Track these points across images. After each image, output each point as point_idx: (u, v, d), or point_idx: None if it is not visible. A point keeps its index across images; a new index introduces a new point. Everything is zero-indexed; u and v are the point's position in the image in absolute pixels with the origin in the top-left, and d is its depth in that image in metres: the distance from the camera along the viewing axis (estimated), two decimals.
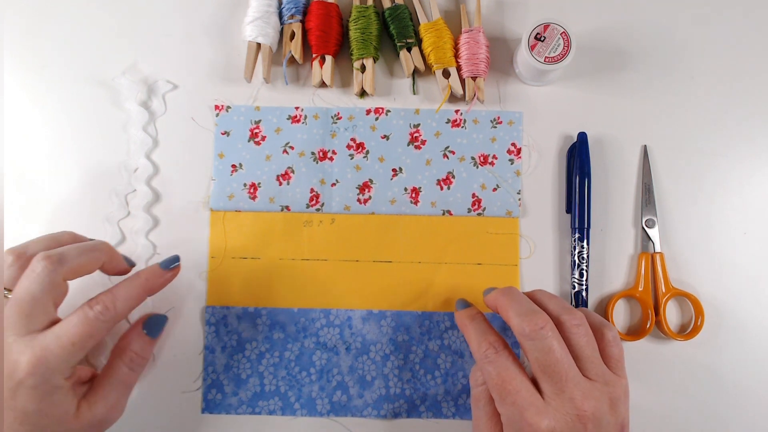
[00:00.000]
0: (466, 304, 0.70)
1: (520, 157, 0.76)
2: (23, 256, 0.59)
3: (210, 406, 0.74)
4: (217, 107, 0.76)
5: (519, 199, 0.76)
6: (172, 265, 0.67)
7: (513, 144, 0.76)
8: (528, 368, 0.61)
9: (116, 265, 0.66)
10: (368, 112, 0.77)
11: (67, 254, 0.59)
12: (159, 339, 0.68)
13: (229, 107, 0.76)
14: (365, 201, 0.76)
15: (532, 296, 0.66)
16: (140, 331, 0.65)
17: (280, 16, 0.76)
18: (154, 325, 0.66)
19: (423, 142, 0.77)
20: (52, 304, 0.59)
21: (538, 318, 0.59)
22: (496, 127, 0.77)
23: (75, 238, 0.65)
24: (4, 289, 0.58)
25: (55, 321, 0.59)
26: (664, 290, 0.74)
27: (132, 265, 0.68)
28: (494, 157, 0.76)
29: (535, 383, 0.59)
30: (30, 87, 0.77)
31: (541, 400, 0.58)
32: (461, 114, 0.77)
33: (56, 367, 0.57)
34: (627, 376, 0.62)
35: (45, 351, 0.56)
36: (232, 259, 0.75)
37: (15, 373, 0.55)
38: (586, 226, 0.73)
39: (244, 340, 0.74)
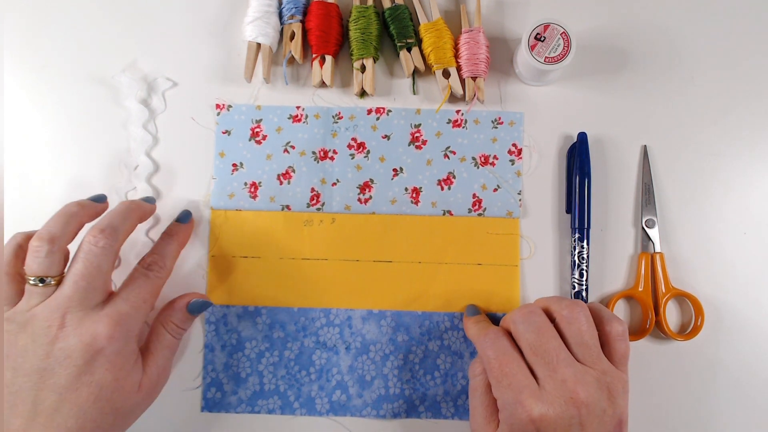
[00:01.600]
0: (475, 311, 0.72)
1: (520, 158, 0.76)
2: (56, 241, 0.60)
3: (209, 404, 0.74)
4: (218, 106, 0.76)
5: (520, 200, 0.76)
6: (188, 218, 0.73)
7: (514, 144, 0.76)
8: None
9: (148, 212, 0.70)
10: (369, 111, 0.77)
11: (116, 224, 0.63)
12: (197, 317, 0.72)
13: (230, 106, 0.76)
14: (366, 201, 0.76)
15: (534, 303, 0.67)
16: (183, 307, 0.69)
17: (280, 16, 0.76)
18: (197, 306, 0.70)
19: (424, 142, 0.77)
20: (110, 275, 0.63)
21: (529, 305, 0.63)
22: (497, 127, 0.77)
23: (80, 206, 0.65)
24: (45, 277, 0.59)
25: (110, 291, 0.63)
26: (664, 290, 0.74)
27: (154, 201, 0.72)
28: (495, 157, 0.76)
29: (531, 368, 0.60)
30: (30, 86, 0.77)
31: (536, 384, 0.58)
32: (462, 114, 0.77)
33: (132, 328, 0.62)
34: (629, 374, 0.63)
35: (121, 315, 0.60)
36: (232, 257, 0.75)
37: (94, 342, 0.58)
38: (586, 226, 0.73)
39: (244, 339, 0.74)
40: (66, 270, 0.61)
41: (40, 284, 0.59)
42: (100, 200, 0.67)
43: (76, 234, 0.63)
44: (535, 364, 0.59)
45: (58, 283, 0.60)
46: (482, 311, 0.73)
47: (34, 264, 0.59)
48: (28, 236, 0.62)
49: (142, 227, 0.74)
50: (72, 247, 0.63)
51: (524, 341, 0.60)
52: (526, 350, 0.60)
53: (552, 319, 0.63)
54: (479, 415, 0.64)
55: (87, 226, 0.64)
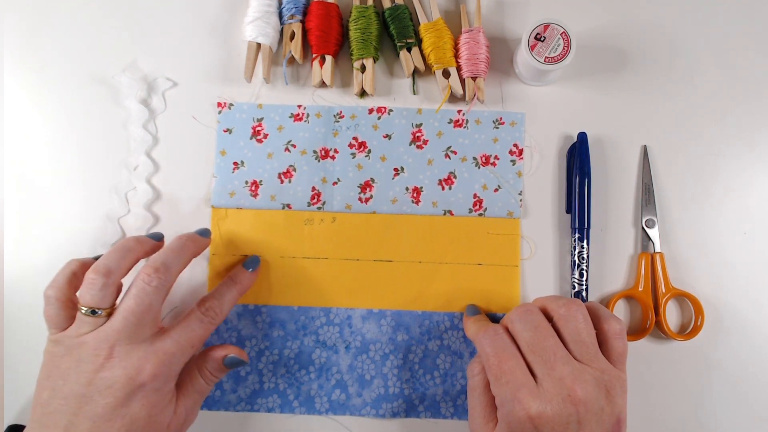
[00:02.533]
0: (476, 311, 0.73)
1: (521, 158, 0.76)
2: (111, 275, 0.61)
3: (209, 402, 0.74)
4: (219, 104, 0.76)
5: (520, 200, 0.76)
6: (255, 266, 0.73)
7: (515, 145, 0.77)
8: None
9: (202, 247, 0.70)
10: (370, 111, 0.77)
11: (170, 263, 0.63)
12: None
13: (231, 105, 0.76)
14: (366, 200, 0.76)
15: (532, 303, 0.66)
16: (219, 359, 0.68)
17: (280, 16, 0.76)
18: (233, 362, 0.68)
19: (425, 142, 0.77)
20: (160, 312, 0.63)
21: (526, 305, 0.63)
22: (498, 127, 0.77)
23: (138, 242, 0.66)
24: (97, 309, 0.60)
25: (159, 327, 0.63)
26: (664, 290, 0.74)
27: (208, 235, 0.71)
28: (496, 157, 0.77)
29: (529, 366, 0.60)
30: (30, 86, 0.77)
31: (534, 382, 0.58)
32: (463, 114, 0.77)
33: (176, 368, 0.63)
34: (627, 373, 0.62)
35: (168, 355, 0.61)
36: (232, 256, 0.75)
37: (138, 377, 0.59)
38: (586, 226, 0.73)
39: (244, 338, 0.74)
40: (118, 302, 0.62)
41: (92, 315, 0.60)
42: (158, 238, 0.69)
43: (130, 268, 0.63)
44: (533, 363, 0.59)
45: (109, 314, 0.61)
46: (482, 311, 0.73)
47: (87, 295, 0.60)
48: (84, 264, 0.64)
49: (143, 227, 0.75)
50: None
51: (522, 339, 0.60)
52: (524, 348, 0.60)
53: (549, 318, 0.63)
54: (478, 415, 0.64)
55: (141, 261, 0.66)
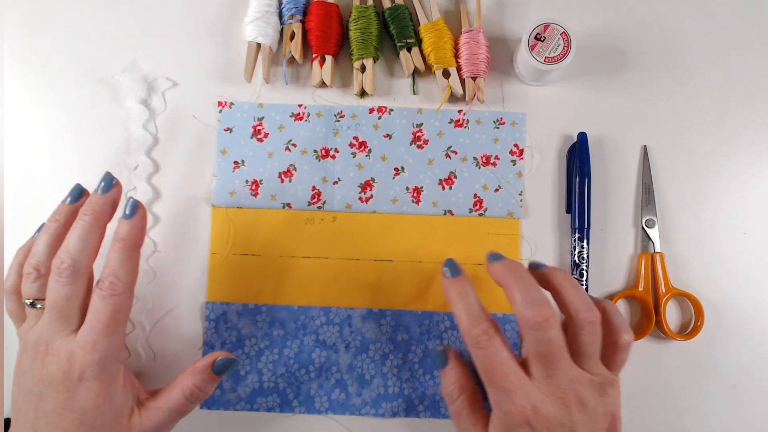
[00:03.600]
0: (456, 270, 0.65)
1: (522, 159, 0.77)
2: (41, 266, 0.60)
3: (208, 401, 0.74)
4: (220, 103, 0.77)
5: (521, 200, 0.76)
6: (132, 212, 0.63)
7: (515, 145, 0.77)
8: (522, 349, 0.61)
9: (107, 211, 0.64)
10: (371, 110, 0.77)
11: (75, 254, 0.60)
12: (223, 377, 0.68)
13: (232, 103, 0.77)
14: (367, 200, 0.76)
15: (549, 278, 0.64)
16: (209, 368, 0.66)
17: (280, 16, 0.76)
18: (223, 366, 0.66)
19: (425, 142, 0.77)
20: (86, 298, 0.61)
21: (544, 310, 0.58)
22: (498, 127, 0.77)
23: (57, 221, 0.63)
24: (36, 299, 0.60)
25: None
26: (664, 290, 0.74)
27: (110, 185, 0.64)
28: (496, 157, 0.77)
29: (526, 365, 0.59)
30: (30, 86, 0.77)
31: (529, 382, 0.58)
32: (464, 114, 0.77)
33: (107, 353, 0.60)
34: (628, 373, 0.62)
35: (89, 343, 0.59)
36: (232, 255, 0.75)
37: (71, 370, 0.58)
38: (586, 226, 0.73)
39: (244, 337, 0.74)
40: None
41: (32, 307, 0.60)
42: (75, 197, 0.65)
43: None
44: (533, 365, 0.59)
45: None
46: (463, 271, 0.66)
47: (25, 288, 0.61)
48: (27, 252, 0.64)
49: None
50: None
51: (530, 345, 0.59)
52: (530, 352, 0.59)
53: (568, 310, 0.61)
54: None
55: None
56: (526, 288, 0.60)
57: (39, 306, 0.60)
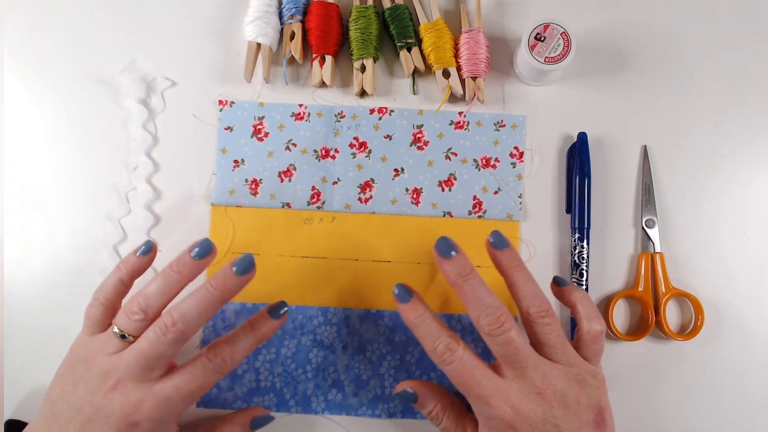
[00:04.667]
0: (408, 295, 0.64)
1: (522, 161, 0.76)
2: (149, 311, 0.60)
3: (205, 400, 0.73)
4: (221, 102, 0.77)
5: (520, 203, 0.76)
6: (280, 312, 0.66)
7: (516, 147, 0.77)
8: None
9: (230, 289, 0.62)
10: (371, 111, 0.77)
11: (190, 316, 0.59)
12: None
13: (233, 102, 0.77)
14: (366, 200, 0.76)
15: (506, 270, 0.65)
16: (246, 422, 0.68)
17: (280, 16, 0.76)
18: (261, 423, 0.69)
19: (425, 143, 0.77)
20: (174, 356, 0.61)
21: (498, 314, 0.59)
22: (498, 130, 0.77)
23: (179, 272, 0.63)
24: (128, 335, 0.60)
25: (172, 365, 0.62)
26: (664, 290, 0.73)
27: (248, 266, 0.63)
28: (496, 160, 0.76)
29: (498, 368, 0.60)
30: (30, 86, 0.77)
31: (503, 384, 0.58)
32: (464, 116, 0.77)
33: (174, 413, 0.60)
34: (602, 369, 0.63)
35: (166, 401, 0.59)
36: (231, 254, 0.75)
37: (134, 415, 0.58)
38: (586, 226, 0.73)
39: None
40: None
41: (121, 338, 0.60)
42: (203, 253, 0.63)
43: (171, 300, 0.62)
44: (503, 367, 0.59)
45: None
46: (414, 293, 0.65)
47: (123, 321, 0.60)
48: (131, 272, 0.65)
49: (143, 226, 0.75)
50: None
51: (494, 350, 0.59)
52: (497, 356, 0.60)
53: (520, 304, 0.62)
54: None
55: None
56: (478, 297, 0.61)
57: (130, 339, 0.60)
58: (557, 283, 0.69)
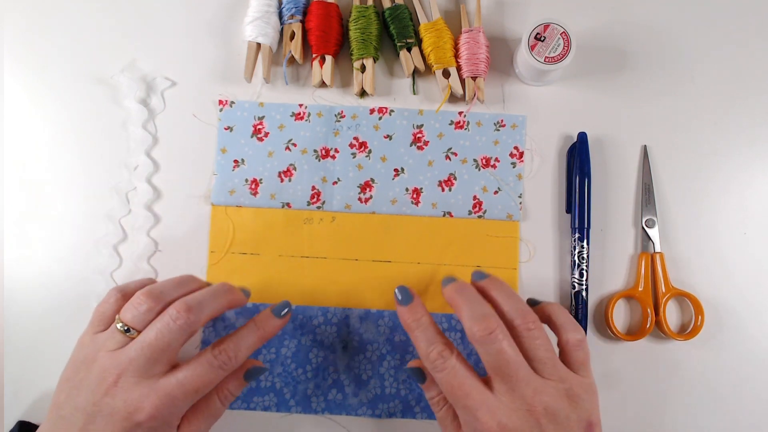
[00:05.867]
0: (408, 298, 0.66)
1: (522, 161, 0.76)
2: (159, 302, 0.60)
3: None
4: (221, 102, 0.77)
5: (520, 203, 0.76)
6: (283, 311, 0.67)
7: (516, 147, 0.77)
8: (482, 368, 0.61)
9: (239, 302, 0.67)
10: (372, 111, 0.77)
11: (204, 304, 0.61)
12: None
13: (233, 102, 0.77)
14: (366, 200, 0.76)
15: (488, 292, 0.65)
16: (240, 374, 0.66)
17: (280, 16, 0.76)
18: (254, 373, 0.67)
19: (426, 143, 0.77)
20: (178, 350, 0.60)
21: (489, 322, 0.59)
22: (499, 130, 0.77)
23: (195, 280, 0.66)
24: (132, 329, 0.59)
25: (174, 362, 0.61)
26: (664, 290, 0.73)
27: (248, 296, 0.69)
28: (496, 159, 0.76)
29: (489, 382, 0.60)
30: (30, 86, 0.77)
31: (492, 398, 0.58)
32: (464, 116, 0.77)
33: (177, 411, 0.60)
34: (593, 377, 0.62)
35: (169, 397, 0.58)
36: (231, 254, 0.75)
37: (136, 414, 0.57)
38: (586, 226, 0.73)
39: None
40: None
41: (124, 332, 0.59)
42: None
43: (184, 296, 0.62)
44: (494, 380, 0.59)
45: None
46: (414, 295, 0.67)
47: (128, 313, 0.60)
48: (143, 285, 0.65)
49: (144, 226, 0.75)
50: None
51: (484, 361, 0.59)
52: (487, 367, 0.59)
53: (505, 320, 0.61)
54: None
55: None
56: (471, 305, 0.62)
57: (133, 334, 0.59)
58: (531, 303, 0.68)
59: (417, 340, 0.63)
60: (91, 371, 0.59)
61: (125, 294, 0.63)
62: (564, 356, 0.62)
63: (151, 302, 0.60)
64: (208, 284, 0.66)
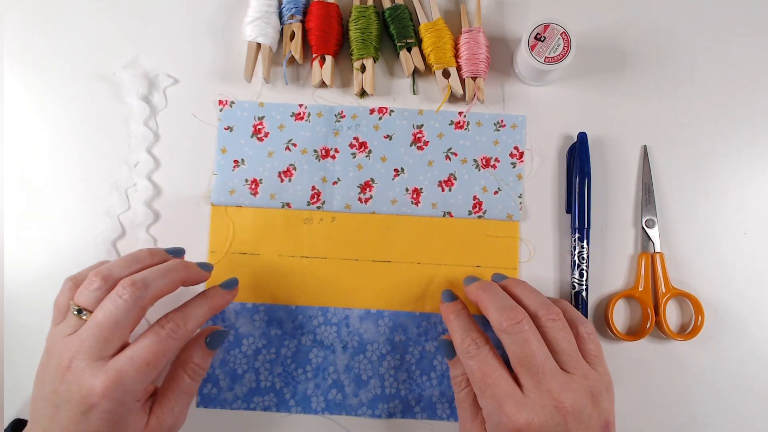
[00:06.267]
0: (452, 297, 0.71)
1: (522, 161, 0.76)
2: (109, 279, 0.60)
3: (205, 400, 0.73)
4: (221, 102, 0.77)
5: (520, 203, 0.76)
6: (232, 286, 0.69)
7: (516, 147, 0.76)
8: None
9: (195, 277, 0.66)
10: (372, 111, 0.77)
11: (150, 279, 0.60)
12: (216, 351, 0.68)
13: (233, 102, 0.77)
14: (366, 200, 0.76)
15: (510, 289, 0.67)
16: (202, 343, 0.65)
17: (280, 16, 0.76)
18: (215, 338, 0.66)
19: (426, 143, 0.77)
20: (130, 330, 0.60)
21: (515, 313, 0.61)
22: (499, 130, 0.77)
23: (151, 254, 0.65)
24: (85, 309, 0.59)
25: (126, 344, 0.60)
26: (664, 290, 0.73)
27: (210, 269, 0.69)
28: (496, 160, 0.76)
29: (516, 379, 0.60)
30: (30, 82, 0.77)
31: (520, 393, 0.58)
32: (464, 116, 0.77)
33: (131, 388, 0.58)
34: (609, 372, 0.62)
35: (120, 374, 0.57)
36: (231, 254, 0.75)
37: (89, 397, 0.56)
38: (586, 226, 0.73)
39: (241, 336, 0.74)
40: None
41: (77, 314, 0.59)
42: (177, 253, 0.68)
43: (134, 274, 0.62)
44: (520, 374, 0.59)
45: None
46: (458, 297, 0.71)
47: (81, 295, 0.59)
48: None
49: (143, 222, 0.75)
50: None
51: (510, 352, 0.60)
52: (513, 360, 0.60)
53: (529, 313, 0.62)
54: (469, 426, 0.64)
55: None
56: (496, 298, 0.64)
57: (84, 317, 0.59)
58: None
59: (454, 329, 0.66)
60: (51, 360, 0.58)
61: (78, 281, 0.63)
62: (580, 350, 0.63)
63: (101, 281, 0.59)
64: (166, 260, 0.66)
